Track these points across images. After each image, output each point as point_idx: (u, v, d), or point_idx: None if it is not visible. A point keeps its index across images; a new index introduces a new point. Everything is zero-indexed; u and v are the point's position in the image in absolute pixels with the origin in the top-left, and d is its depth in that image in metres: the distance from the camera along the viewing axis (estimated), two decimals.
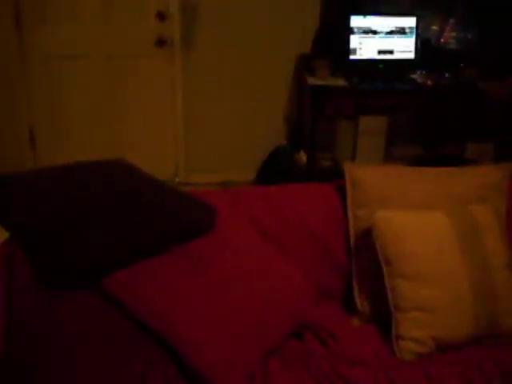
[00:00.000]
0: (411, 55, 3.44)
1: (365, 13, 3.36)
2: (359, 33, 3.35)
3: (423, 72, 3.41)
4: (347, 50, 3.35)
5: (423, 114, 3.64)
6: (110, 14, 3.47)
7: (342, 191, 1.88)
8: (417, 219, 1.71)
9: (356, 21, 3.34)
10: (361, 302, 1.75)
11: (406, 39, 3.41)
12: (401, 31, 3.40)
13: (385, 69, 3.42)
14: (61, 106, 3.65)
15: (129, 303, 1.38)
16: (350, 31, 3.34)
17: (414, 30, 3.41)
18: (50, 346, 1.30)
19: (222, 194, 1.98)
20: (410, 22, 3.40)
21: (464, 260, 1.63)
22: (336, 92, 3.26)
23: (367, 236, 1.73)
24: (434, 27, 3.56)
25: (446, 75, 3.40)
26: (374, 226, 1.69)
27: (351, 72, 3.32)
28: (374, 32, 3.37)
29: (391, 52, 3.42)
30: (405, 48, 3.42)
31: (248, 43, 3.59)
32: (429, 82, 3.29)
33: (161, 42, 3.51)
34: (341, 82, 3.27)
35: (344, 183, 1.87)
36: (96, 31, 3.50)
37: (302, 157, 3.39)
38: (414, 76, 3.38)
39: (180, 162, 3.82)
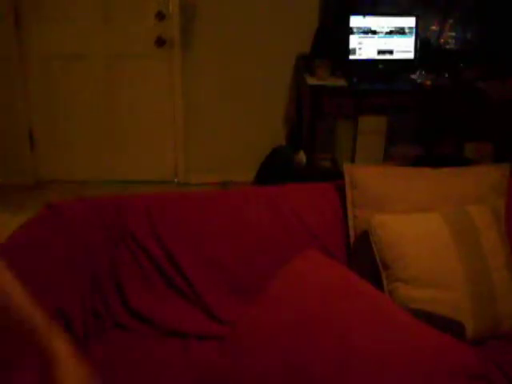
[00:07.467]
0: (411, 55, 3.43)
1: (364, 13, 3.36)
2: (359, 33, 3.35)
3: (423, 72, 3.41)
4: (347, 50, 3.35)
5: (423, 113, 3.64)
6: (109, 14, 3.47)
7: (341, 191, 1.89)
8: (413, 222, 1.71)
9: (355, 21, 3.34)
10: None
11: (405, 39, 3.41)
12: (400, 31, 3.40)
13: (384, 69, 3.42)
14: (60, 106, 3.65)
15: None
16: (350, 31, 3.33)
17: (414, 30, 3.41)
18: None
19: (222, 195, 1.99)
20: (409, 22, 3.40)
21: (462, 262, 1.63)
22: (335, 92, 3.26)
23: (367, 236, 1.73)
24: (434, 27, 3.56)
25: (446, 75, 3.39)
26: (371, 231, 1.69)
27: (351, 72, 3.32)
28: (374, 32, 3.36)
29: (391, 52, 3.42)
30: (404, 48, 3.42)
31: (247, 43, 3.59)
32: (428, 82, 3.28)
33: (160, 42, 3.51)
34: (340, 82, 3.27)
35: (343, 183, 1.87)
36: (96, 31, 3.50)
37: (302, 157, 3.39)
38: (413, 76, 3.38)
39: (179, 162, 3.82)
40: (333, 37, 3.40)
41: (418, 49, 3.43)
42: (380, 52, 3.40)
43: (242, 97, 3.70)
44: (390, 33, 3.39)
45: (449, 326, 1.52)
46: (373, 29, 3.36)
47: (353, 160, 3.45)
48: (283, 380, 1.25)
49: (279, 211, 1.83)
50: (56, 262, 1.60)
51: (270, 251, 1.78)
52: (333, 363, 1.23)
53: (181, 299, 1.72)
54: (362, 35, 3.35)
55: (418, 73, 3.41)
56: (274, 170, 3.49)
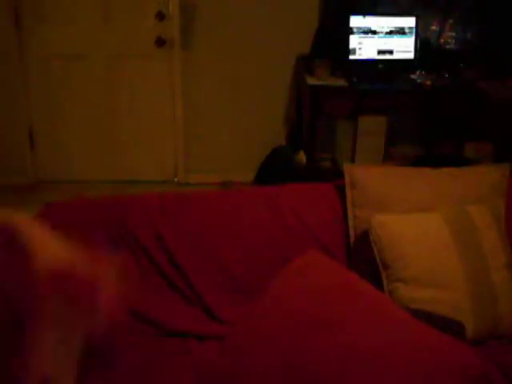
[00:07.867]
0: (411, 55, 3.43)
1: (364, 13, 3.36)
2: (359, 33, 3.35)
3: (423, 72, 3.41)
4: (347, 50, 3.35)
5: (423, 113, 3.64)
6: (109, 14, 3.47)
7: (341, 191, 1.89)
8: (413, 222, 1.71)
9: (355, 21, 3.34)
10: None
11: (405, 39, 3.41)
12: (400, 31, 3.40)
13: (384, 69, 3.42)
14: (60, 106, 3.65)
15: None
16: (350, 31, 3.33)
17: (414, 30, 3.41)
18: None
19: (222, 195, 1.99)
20: (409, 22, 3.40)
21: (462, 262, 1.63)
22: (335, 92, 3.26)
23: (367, 236, 1.73)
24: (434, 27, 3.56)
25: (446, 75, 3.39)
26: (371, 231, 1.69)
27: (351, 72, 3.32)
28: (374, 32, 3.36)
29: (391, 52, 3.41)
30: (404, 48, 3.42)
31: (247, 43, 3.59)
32: (428, 82, 3.28)
33: (160, 42, 3.51)
34: (340, 82, 3.27)
35: (343, 183, 1.87)
36: (96, 31, 3.50)
37: (302, 157, 3.39)
38: (413, 76, 3.38)
39: (179, 162, 3.81)
40: (333, 37, 3.39)
41: (418, 49, 3.43)
42: (380, 52, 3.40)
43: (242, 97, 3.70)
44: (390, 33, 3.39)
45: (449, 325, 1.52)
46: (373, 29, 3.36)
47: (353, 160, 3.45)
48: (283, 380, 1.24)
49: (279, 211, 1.83)
50: None
51: (270, 251, 1.78)
52: (333, 363, 1.23)
53: (181, 299, 1.72)
54: (362, 35, 3.35)
55: (417, 73, 3.41)
56: (274, 169, 3.49)
